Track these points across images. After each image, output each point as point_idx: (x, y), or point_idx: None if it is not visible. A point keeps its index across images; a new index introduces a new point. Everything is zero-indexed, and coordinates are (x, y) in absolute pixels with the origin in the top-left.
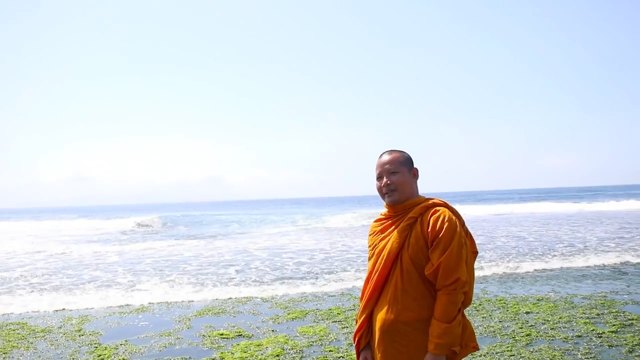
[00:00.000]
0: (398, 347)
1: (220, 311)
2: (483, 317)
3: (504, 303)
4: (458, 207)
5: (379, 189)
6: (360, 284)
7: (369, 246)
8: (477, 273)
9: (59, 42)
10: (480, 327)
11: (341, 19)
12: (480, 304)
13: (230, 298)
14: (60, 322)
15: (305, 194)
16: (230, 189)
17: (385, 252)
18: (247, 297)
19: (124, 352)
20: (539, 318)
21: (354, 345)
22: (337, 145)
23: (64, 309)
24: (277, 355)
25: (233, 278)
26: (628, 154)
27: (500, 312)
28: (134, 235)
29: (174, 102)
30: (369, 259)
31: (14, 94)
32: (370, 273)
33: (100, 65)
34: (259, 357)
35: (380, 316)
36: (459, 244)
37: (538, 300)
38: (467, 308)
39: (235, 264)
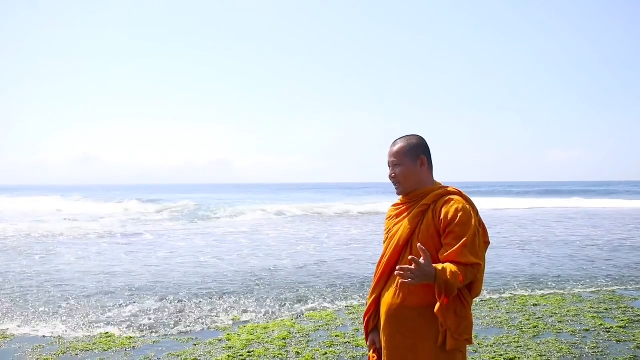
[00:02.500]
0: (404, 332)
1: (226, 293)
2: (490, 308)
3: (512, 294)
4: None
5: (389, 178)
6: (364, 271)
7: (385, 230)
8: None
9: (69, 23)
10: (487, 318)
11: (350, 8)
12: (487, 295)
13: (232, 284)
14: None
15: (312, 180)
16: (238, 173)
17: (396, 237)
18: (254, 278)
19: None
20: (546, 311)
21: (363, 326)
22: (344, 133)
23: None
24: (284, 339)
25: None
26: (632, 150)
27: (507, 304)
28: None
29: (181, 85)
30: (384, 242)
31: (22, 73)
32: (382, 256)
33: (108, 46)
34: (266, 339)
35: (387, 300)
36: (474, 234)
37: (546, 293)
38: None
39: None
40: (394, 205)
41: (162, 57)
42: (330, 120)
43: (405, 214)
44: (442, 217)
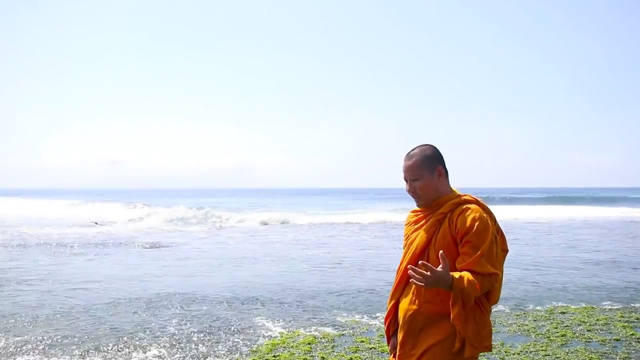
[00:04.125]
0: (417, 337)
1: (248, 298)
2: (517, 315)
3: (539, 302)
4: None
5: (408, 193)
6: (384, 277)
7: (404, 235)
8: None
9: (96, 21)
10: (513, 325)
11: (373, 15)
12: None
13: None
14: None
15: (335, 184)
16: (262, 177)
17: (414, 245)
18: (277, 284)
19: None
20: (574, 319)
21: (384, 330)
22: (366, 137)
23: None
24: (309, 344)
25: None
26: None
27: (534, 311)
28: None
29: (206, 88)
30: (403, 247)
31: (41, 78)
32: (400, 263)
33: (132, 48)
34: (290, 344)
35: (404, 306)
36: (491, 242)
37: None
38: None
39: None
40: (413, 212)
41: (187, 60)
42: (353, 124)
43: (423, 221)
44: (458, 226)
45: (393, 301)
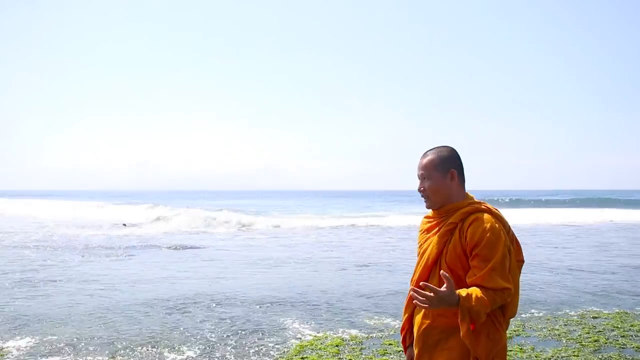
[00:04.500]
0: (432, 351)
1: (275, 300)
2: (547, 320)
3: (570, 306)
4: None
5: (418, 191)
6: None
7: (418, 243)
8: None
9: (121, 20)
10: (544, 330)
11: (398, 14)
12: None
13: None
14: None
15: (362, 187)
16: (287, 180)
17: (425, 256)
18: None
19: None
20: (607, 324)
21: (401, 341)
22: (396, 138)
23: None
24: (337, 346)
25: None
26: None
27: (565, 316)
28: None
29: (230, 88)
30: (417, 255)
31: (47, 77)
32: (413, 273)
33: (152, 45)
34: (319, 346)
35: (418, 319)
36: (503, 255)
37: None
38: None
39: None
40: (426, 217)
41: (213, 58)
42: (385, 126)
43: (435, 229)
44: (468, 238)
45: (407, 314)
